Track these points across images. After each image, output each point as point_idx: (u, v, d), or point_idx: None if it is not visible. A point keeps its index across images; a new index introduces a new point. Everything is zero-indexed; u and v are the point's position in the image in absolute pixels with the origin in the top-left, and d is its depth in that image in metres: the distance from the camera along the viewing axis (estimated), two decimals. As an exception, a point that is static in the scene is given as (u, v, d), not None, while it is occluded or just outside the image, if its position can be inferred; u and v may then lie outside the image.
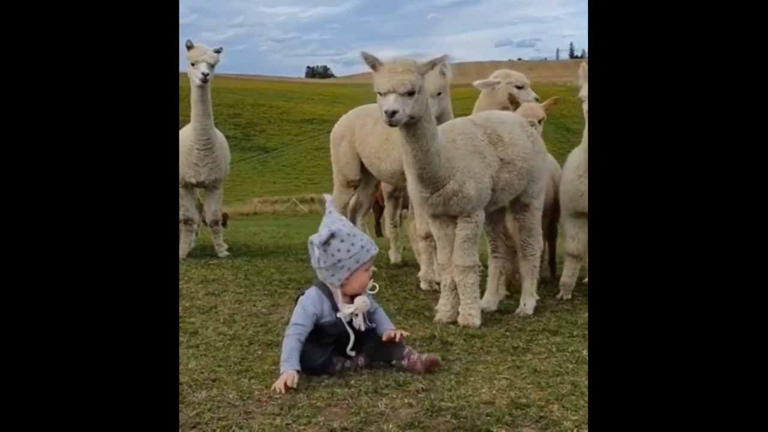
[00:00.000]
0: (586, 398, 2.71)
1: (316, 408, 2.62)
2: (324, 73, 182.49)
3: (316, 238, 3.07)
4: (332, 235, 3.06)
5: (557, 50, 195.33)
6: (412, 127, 3.58)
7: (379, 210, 6.13)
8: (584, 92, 4.37)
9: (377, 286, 3.33)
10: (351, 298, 3.13)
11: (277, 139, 61.20)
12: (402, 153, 3.83)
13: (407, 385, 2.88)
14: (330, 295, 3.13)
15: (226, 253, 6.61)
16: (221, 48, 5.91)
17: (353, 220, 5.98)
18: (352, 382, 2.94)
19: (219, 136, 6.38)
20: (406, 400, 2.69)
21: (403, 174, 4.65)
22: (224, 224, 8.66)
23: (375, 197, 6.34)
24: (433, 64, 3.59)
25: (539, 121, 4.66)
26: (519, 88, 5.13)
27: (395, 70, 3.43)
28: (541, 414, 2.55)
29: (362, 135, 5.35)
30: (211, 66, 5.83)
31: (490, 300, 4.49)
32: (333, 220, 3.15)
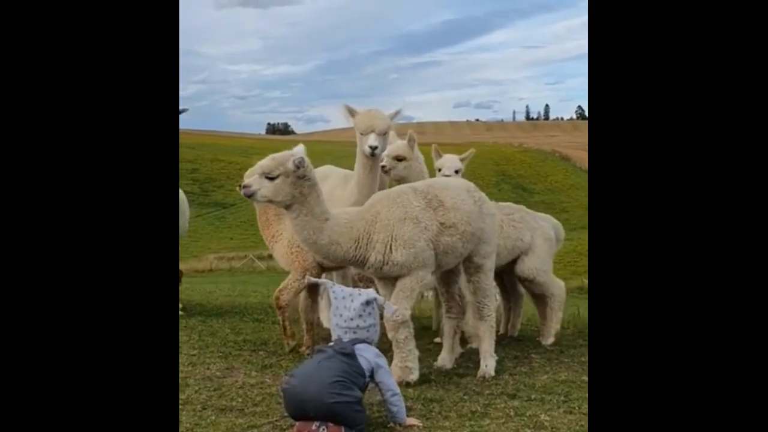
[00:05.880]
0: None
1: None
2: (284, 129, 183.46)
3: (378, 297, 3.44)
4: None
5: (513, 112, 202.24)
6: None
7: None
8: (439, 163, 5.12)
9: None
10: None
11: (235, 195, 59.61)
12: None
13: (364, 454, 2.82)
14: None
15: (180, 312, 6.45)
16: (186, 108, 5.93)
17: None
18: (308, 450, 2.87)
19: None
20: (362, 470, 2.63)
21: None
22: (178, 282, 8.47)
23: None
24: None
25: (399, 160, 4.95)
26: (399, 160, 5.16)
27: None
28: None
29: None
30: (174, 127, 5.83)
31: (446, 358, 4.54)
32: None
